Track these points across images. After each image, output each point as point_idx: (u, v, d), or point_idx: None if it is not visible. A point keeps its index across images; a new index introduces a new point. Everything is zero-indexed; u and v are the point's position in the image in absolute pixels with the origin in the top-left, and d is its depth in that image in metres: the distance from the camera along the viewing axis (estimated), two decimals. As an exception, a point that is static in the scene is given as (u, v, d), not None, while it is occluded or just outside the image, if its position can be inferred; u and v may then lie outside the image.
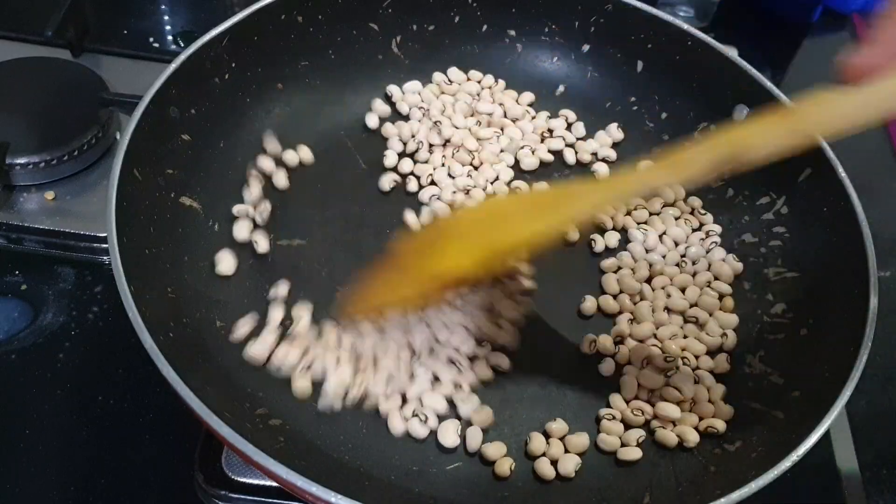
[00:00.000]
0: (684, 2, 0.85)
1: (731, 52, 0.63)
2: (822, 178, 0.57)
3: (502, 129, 0.66)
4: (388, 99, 0.67)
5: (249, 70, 0.61)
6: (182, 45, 0.76)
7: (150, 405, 0.55)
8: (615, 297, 0.58)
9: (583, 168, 0.66)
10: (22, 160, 0.63)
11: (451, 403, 0.52)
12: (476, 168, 0.64)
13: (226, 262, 0.56)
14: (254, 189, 0.59)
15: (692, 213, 0.63)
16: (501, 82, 0.69)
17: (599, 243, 0.61)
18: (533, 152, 0.65)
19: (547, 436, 0.52)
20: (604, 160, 0.66)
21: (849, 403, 0.58)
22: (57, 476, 0.52)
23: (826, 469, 0.57)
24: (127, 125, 0.52)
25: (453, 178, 0.63)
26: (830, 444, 0.58)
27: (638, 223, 0.63)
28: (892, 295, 0.65)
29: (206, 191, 0.58)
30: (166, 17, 0.80)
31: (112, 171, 0.49)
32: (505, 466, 0.50)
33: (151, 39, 0.77)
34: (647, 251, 0.61)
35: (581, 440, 0.51)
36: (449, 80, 0.68)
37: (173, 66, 0.55)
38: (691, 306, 0.58)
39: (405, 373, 0.52)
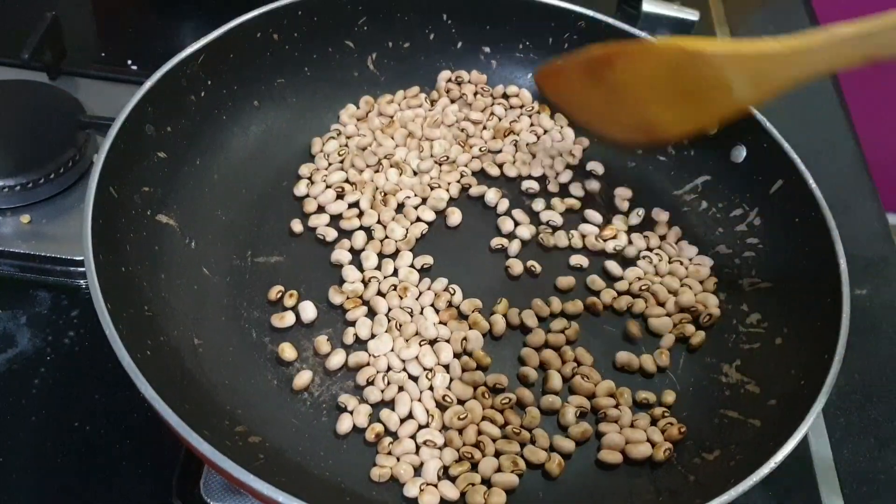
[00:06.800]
0: (663, 25, 0.86)
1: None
2: (794, 190, 0.58)
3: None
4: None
5: (225, 88, 0.62)
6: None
7: (128, 431, 0.54)
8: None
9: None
10: (-3, 183, 0.62)
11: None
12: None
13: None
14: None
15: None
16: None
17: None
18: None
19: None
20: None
21: (829, 422, 0.59)
22: None
23: (806, 487, 0.57)
24: (103, 142, 0.52)
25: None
26: (811, 463, 0.58)
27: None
28: (868, 313, 0.66)
29: (182, 208, 0.58)
30: (143, 40, 0.80)
31: (88, 188, 0.49)
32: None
33: (129, 62, 0.77)
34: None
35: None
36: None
37: (149, 83, 0.55)
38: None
39: None
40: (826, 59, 0.48)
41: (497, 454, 0.51)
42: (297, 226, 0.61)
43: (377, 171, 0.65)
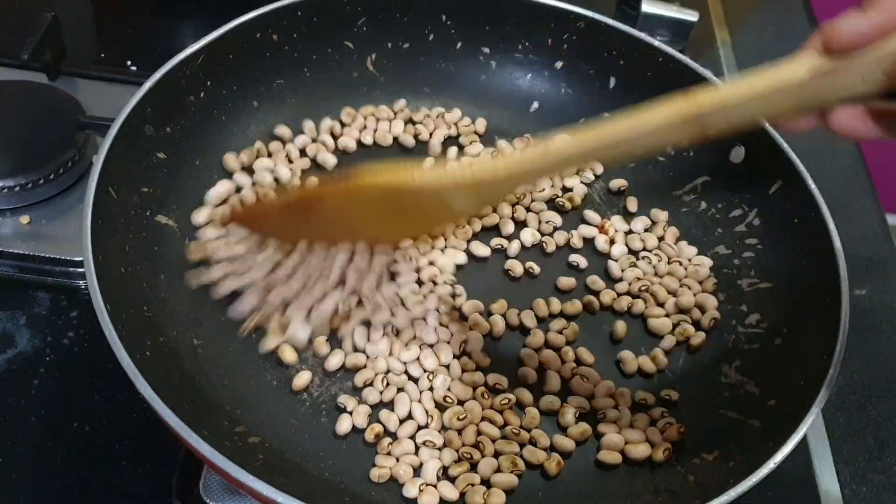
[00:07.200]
0: (662, 26, 0.85)
1: (704, 71, 0.64)
2: (793, 190, 0.58)
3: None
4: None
5: (225, 88, 0.62)
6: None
7: (127, 432, 0.54)
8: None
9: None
10: (-3, 184, 0.62)
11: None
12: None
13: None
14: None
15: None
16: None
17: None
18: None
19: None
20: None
21: (828, 422, 0.59)
22: (31, 504, 0.51)
23: (806, 488, 0.57)
24: (102, 142, 0.52)
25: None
26: (811, 463, 0.58)
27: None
28: (868, 313, 0.66)
29: (181, 209, 0.58)
30: (143, 40, 0.80)
31: (87, 189, 0.49)
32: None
33: (129, 62, 0.77)
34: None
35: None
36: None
37: (148, 83, 0.56)
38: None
39: None
40: (539, 172, 0.47)
41: (496, 454, 0.51)
42: (296, 226, 0.61)
43: None
